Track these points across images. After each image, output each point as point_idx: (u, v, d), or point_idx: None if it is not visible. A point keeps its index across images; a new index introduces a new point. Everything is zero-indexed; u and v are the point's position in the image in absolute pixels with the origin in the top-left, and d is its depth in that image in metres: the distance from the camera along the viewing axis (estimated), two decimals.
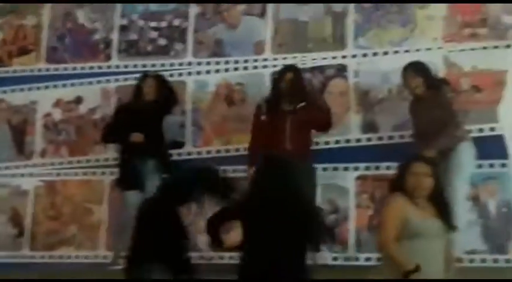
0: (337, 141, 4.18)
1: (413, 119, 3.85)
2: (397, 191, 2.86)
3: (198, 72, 4.48)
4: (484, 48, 4.11)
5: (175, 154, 4.33)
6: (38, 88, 4.65)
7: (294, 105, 3.81)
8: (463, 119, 3.69)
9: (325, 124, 3.89)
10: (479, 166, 3.87)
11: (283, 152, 3.66)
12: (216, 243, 3.03)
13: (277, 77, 3.96)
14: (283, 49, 4.44)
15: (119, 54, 4.65)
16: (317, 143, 4.10)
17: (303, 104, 3.81)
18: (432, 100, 3.65)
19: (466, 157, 3.61)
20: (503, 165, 3.94)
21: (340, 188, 4.13)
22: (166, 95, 4.17)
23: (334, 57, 4.34)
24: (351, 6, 4.32)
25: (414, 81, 3.72)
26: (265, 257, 2.81)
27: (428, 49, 4.19)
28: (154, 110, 4.09)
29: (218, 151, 4.34)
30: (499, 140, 3.94)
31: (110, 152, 4.40)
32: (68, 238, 4.41)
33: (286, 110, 3.82)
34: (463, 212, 3.58)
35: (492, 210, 3.97)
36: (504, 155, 3.91)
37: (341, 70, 4.31)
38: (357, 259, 3.99)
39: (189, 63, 4.53)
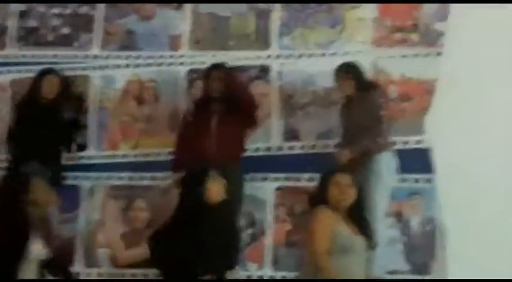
0: (256, 149, 3.84)
1: (342, 123, 3.62)
2: (319, 203, 2.77)
3: (105, 67, 4.03)
4: (415, 55, 3.90)
5: (76, 158, 3.88)
6: None
7: (221, 105, 3.55)
8: (388, 128, 3.48)
9: (250, 120, 3.63)
10: (403, 180, 3.68)
11: (208, 156, 3.40)
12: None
13: (204, 76, 3.68)
14: (201, 45, 4.06)
15: (16, 43, 4.12)
16: None
17: (230, 103, 3.54)
18: (361, 103, 3.47)
19: (385, 168, 3.39)
20: (428, 180, 3.72)
21: (257, 200, 3.80)
22: (68, 95, 3.76)
23: (257, 57, 4.00)
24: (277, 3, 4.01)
25: (346, 83, 3.54)
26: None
27: (357, 52, 3.92)
28: (54, 111, 3.67)
29: (125, 156, 3.91)
30: (424, 153, 3.73)
31: None
32: None
33: (213, 110, 3.56)
34: (383, 228, 3.36)
35: (415, 227, 3.76)
36: (429, 170, 3.70)
37: (264, 71, 3.98)
38: (272, 278, 3.69)
39: (96, 56, 4.06)
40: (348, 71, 3.56)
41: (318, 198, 2.82)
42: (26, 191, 2.85)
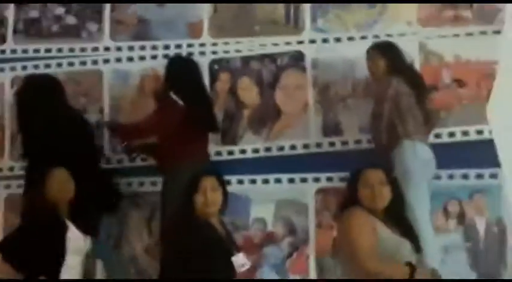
0: (292, 147, 3.52)
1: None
2: (350, 205, 2.55)
3: (118, 60, 3.72)
4: (469, 34, 3.56)
5: None
6: None
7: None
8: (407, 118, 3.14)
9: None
10: (465, 177, 3.38)
11: None
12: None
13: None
14: (224, 32, 3.75)
15: (16, 35, 3.84)
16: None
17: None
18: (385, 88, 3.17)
19: (409, 159, 3.04)
20: (493, 176, 3.36)
21: (297, 204, 3.50)
22: None
23: (287, 43, 3.68)
24: None
25: (376, 63, 3.28)
26: None
27: (402, 35, 3.60)
28: None
29: (144, 158, 3.54)
30: (488, 145, 3.35)
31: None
32: None
33: None
34: (428, 232, 2.99)
35: (481, 230, 3.39)
36: (494, 164, 3.32)
37: (297, 59, 3.66)
38: None
39: (106, 48, 3.76)
40: (384, 50, 3.29)
41: (349, 201, 2.59)
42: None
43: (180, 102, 3.19)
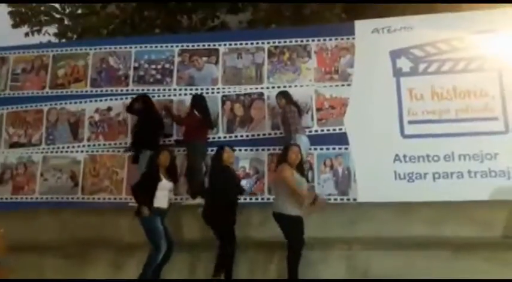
0: (258, 135, 7.33)
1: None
2: (284, 162, 5.62)
3: (180, 95, 7.57)
4: (336, 85, 7.34)
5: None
6: (85, 101, 7.67)
7: None
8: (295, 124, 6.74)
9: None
10: (334, 149, 7.13)
11: None
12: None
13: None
14: (228, 83, 7.56)
15: (133, 82, 7.66)
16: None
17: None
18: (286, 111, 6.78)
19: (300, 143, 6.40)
20: (346, 148, 7.09)
21: (260, 160, 7.24)
22: None
23: (256, 88, 7.49)
24: (266, 61, 7.54)
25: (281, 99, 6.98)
26: None
27: (307, 85, 7.41)
28: None
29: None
30: (344, 135, 7.16)
31: (127, 139, 7.52)
32: (104, 187, 7.35)
33: None
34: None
35: (340, 171, 7.06)
36: (346, 142, 7.10)
37: (260, 95, 7.47)
38: (268, 199, 7.08)
39: (174, 89, 7.59)
40: (282, 94, 7.03)
41: (281, 160, 5.60)
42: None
43: (198, 115, 7.01)
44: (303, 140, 6.64)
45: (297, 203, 5.36)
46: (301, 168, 5.75)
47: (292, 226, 5.40)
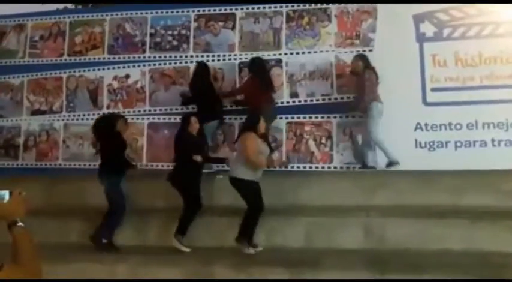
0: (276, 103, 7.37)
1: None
2: (251, 131, 5.70)
3: (196, 61, 7.43)
4: (357, 51, 7.12)
5: None
6: (103, 69, 7.74)
7: None
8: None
9: None
10: (354, 117, 7.08)
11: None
12: None
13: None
14: (245, 49, 7.47)
15: (150, 49, 7.67)
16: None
17: None
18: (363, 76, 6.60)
19: (374, 110, 6.51)
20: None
21: (277, 129, 7.25)
22: None
23: (274, 54, 7.39)
24: (284, 25, 7.42)
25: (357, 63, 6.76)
26: None
27: (327, 51, 7.27)
28: None
29: None
30: None
31: (146, 106, 7.59)
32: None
33: None
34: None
35: (359, 140, 7.02)
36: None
37: (278, 62, 7.38)
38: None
39: (191, 56, 7.58)
40: (359, 56, 6.81)
41: (251, 128, 5.70)
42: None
43: (257, 78, 6.83)
44: (378, 108, 6.52)
45: (251, 169, 5.64)
46: (266, 138, 6.18)
47: (247, 189, 5.70)
